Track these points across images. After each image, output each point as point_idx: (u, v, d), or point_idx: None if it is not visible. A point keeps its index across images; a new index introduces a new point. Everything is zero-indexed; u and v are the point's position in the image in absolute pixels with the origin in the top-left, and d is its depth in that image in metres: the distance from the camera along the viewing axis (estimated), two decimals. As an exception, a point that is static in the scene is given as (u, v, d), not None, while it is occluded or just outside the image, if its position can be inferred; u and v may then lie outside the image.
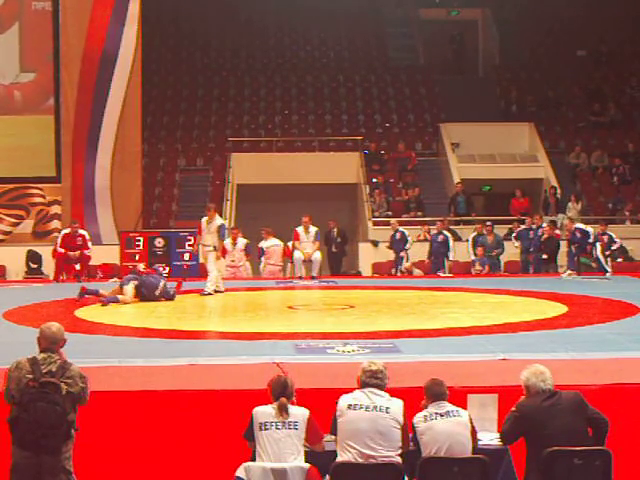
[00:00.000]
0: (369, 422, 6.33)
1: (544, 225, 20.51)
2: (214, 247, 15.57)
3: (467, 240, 20.90)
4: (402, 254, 20.52)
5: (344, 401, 6.47)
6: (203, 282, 15.83)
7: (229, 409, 7.49)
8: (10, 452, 6.09)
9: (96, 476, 7.08)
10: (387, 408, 6.39)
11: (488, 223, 20.92)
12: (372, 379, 6.48)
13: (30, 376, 5.97)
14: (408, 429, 6.45)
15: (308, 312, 14.32)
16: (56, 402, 5.89)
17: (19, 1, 22.51)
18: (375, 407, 6.38)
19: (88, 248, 18.46)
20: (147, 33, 24.18)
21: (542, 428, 6.31)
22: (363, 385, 6.50)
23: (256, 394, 7.08)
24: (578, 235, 19.00)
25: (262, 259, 19.82)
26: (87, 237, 18.56)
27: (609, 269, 18.87)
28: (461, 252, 20.89)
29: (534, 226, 20.59)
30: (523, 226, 21.06)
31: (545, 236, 19.97)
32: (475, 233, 20.74)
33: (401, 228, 20.96)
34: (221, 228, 15.68)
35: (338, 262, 22.87)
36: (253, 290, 16.95)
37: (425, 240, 21.29)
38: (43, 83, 22.70)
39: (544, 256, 19.95)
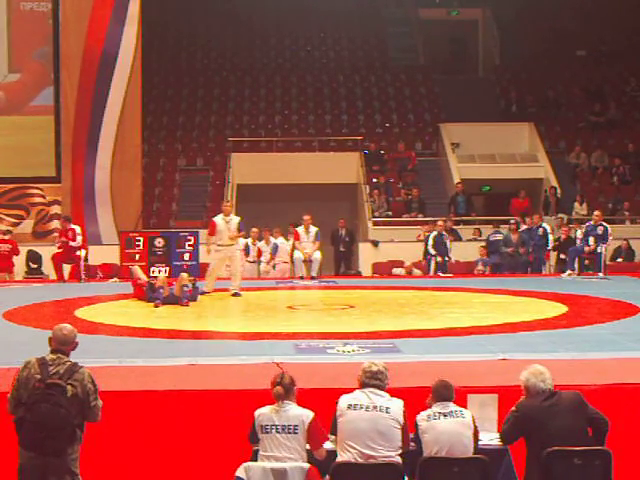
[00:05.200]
0: (369, 422, 6.33)
1: (544, 225, 20.48)
2: None
3: (468, 240, 20.85)
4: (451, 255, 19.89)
5: (344, 401, 6.47)
6: (203, 282, 15.84)
7: (229, 409, 7.50)
8: (15, 452, 6.09)
9: (96, 476, 7.07)
10: (387, 408, 6.39)
11: (512, 221, 20.74)
12: (372, 380, 6.48)
13: (38, 376, 5.96)
14: (408, 429, 6.46)
15: (308, 312, 14.30)
16: (60, 404, 5.86)
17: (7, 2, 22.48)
18: (375, 407, 6.38)
19: (74, 240, 18.08)
20: (147, 33, 24.16)
21: (542, 428, 6.31)
22: (363, 385, 6.50)
23: (256, 394, 7.09)
24: (600, 231, 18.89)
25: (262, 258, 19.89)
26: (77, 231, 18.30)
27: (603, 270, 18.78)
28: (462, 252, 20.87)
29: (525, 226, 20.50)
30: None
31: (563, 237, 20.00)
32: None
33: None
34: None
35: (348, 261, 22.77)
36: (253, 290, 16.94)
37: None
38: (28, 82, 22.66)
39: (562, 256, 19.95)
